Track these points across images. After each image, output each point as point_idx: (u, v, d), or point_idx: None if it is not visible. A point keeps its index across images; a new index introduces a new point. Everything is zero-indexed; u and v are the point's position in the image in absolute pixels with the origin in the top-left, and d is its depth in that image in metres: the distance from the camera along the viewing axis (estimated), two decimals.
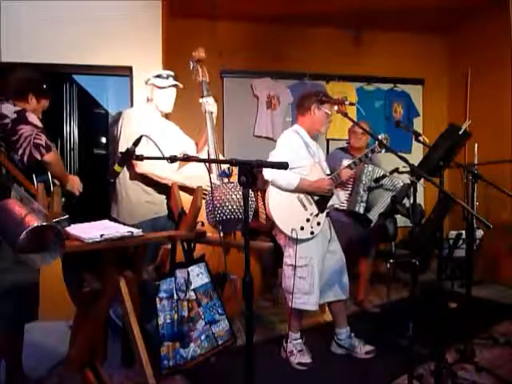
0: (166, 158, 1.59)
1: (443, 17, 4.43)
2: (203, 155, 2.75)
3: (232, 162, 1.44)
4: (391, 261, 3.53)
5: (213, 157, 2.65)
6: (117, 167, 1.74)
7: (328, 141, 4.59)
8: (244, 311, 1.33)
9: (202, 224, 2.12)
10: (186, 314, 1.86)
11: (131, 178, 2.53)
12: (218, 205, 2.36)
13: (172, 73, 2.68)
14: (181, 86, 2.69)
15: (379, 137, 2.31)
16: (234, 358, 1.75)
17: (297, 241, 2.32)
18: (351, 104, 2.60)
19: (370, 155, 2.53)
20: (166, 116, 2.79)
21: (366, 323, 3.09)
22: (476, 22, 4.44)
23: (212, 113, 2.72)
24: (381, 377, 2.30)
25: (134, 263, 1.82)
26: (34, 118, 2.04)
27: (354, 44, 4.75)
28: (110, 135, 4.46)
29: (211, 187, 2.26)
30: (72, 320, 1.97)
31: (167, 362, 1.78)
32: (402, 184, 2.97)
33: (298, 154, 2.46)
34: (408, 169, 1.87)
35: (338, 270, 2.53)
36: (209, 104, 2.71)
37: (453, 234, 3.46)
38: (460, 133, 1.96)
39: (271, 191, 2.42)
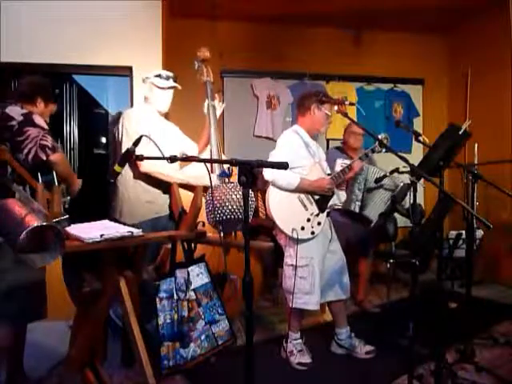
0: (166, 158, 1.59)
1: (443, 17, 4.43)
2: (204, 155, 2.75)
3: (232, 162, 1.44)
4: (391, 261, 3.52)
5: (216, 157, 2.65)
6: (117, 167, 1.74)
7: (328, 141, 4.59)
8: (244, 311, 1.33)
9: (203, 224, 2.12)
10: (186, 314, 1.86)
11: (135, 178, 2.53)
12: (218, 205, 2.36)
13: (171, 74, 2.68)
14: (179, 87, 2.70)
15: (379, 137, 2.31)
16: (233, 357, 1.75)
17: (297, 241, 2.32)
18: (351, 104, 2.60)
19: (370, 155, 2.53)
20: (166, 116, 2.79)
21: (366, 323, 3.09)
22: (476, 21, 4.44)
23: (216, 111, 2.73)
24: (381, 377, 2.30)
25: (134, 263, 1.82)
26: (40, 121, 2.06)
27: (354, 44, 4.75)
28: (109, 135, 4.46)
29: (211, 187, 2.26)
30: (72, 320, 1.97)
31: (167, 362, 1.78)
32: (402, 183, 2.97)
33: (297, 153, 2.46)
34: (408, 169, 1.87)
35: (339, 270, 2.54)
36: (215, 109, 2.74)
37: (453, 233, 3.47)
38: (460, 133, 1.96)
39: (271, 191, 2.42)
